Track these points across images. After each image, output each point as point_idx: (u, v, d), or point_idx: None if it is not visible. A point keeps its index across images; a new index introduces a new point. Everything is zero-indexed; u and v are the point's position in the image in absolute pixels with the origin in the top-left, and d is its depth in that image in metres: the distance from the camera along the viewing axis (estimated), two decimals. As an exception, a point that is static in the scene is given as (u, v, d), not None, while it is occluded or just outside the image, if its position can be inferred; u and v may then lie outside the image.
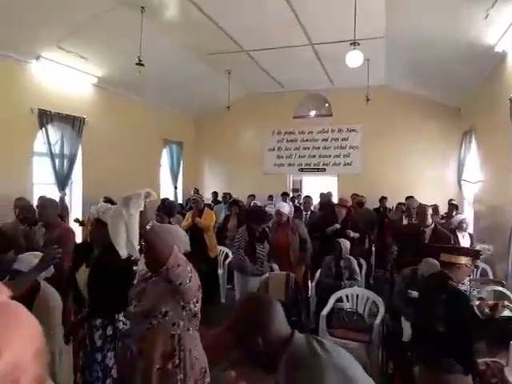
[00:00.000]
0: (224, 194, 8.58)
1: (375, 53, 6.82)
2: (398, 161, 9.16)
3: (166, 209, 5.52)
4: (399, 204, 6.97)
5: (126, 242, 1.69)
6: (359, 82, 7.97)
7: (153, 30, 5.69)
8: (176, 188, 10.03)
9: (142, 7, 5.24)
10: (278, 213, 4.83)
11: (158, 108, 9.06)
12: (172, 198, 9.05)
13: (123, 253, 1.69)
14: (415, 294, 3.29)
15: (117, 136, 7.67)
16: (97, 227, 2.72)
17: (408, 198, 6.45)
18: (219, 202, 8.75)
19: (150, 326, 2.03)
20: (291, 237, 4.72)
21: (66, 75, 6.48)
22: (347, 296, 4.18)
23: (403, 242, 4.58)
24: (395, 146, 9.17)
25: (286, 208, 4.94)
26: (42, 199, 4.06)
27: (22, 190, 5.40)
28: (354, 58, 5.23)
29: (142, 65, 5.32)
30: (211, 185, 10.48)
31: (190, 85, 8.35)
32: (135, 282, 2.38)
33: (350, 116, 9.48)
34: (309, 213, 6.47)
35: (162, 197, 9.22)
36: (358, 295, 4.20)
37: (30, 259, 2.50)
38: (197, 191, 9.44)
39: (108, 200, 6.33)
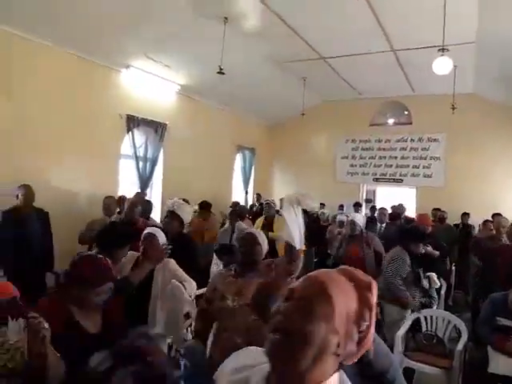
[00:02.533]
0: (296, 201, 8.51)
1: (464, 59, 6.36)
2: (483, 175, 8.44)
3: (238, 212, 5.61)
4: (487, 221, 6.42)
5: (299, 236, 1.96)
6: (444, 90, 7.50)
7: (233, 39, 5.85)
8: (247, 192, 10.21)
9: (225, 18, 5.42)
10: (352, 223, 4.66)
11: (234, 114, 9.30)
12: (242, 202, 9.21)
13: (298, 246, 1.97)
14: (505, 321, 2.99)
15: (195, 141, 8.00)
16: (171, 218, 3.22)
17: (495, 215, 5.92)
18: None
19: (257, 318, 2.05)
20: (366, 251, 4.52)
21: (151, 83, 6.91)
22: (425, 317, 3.92)
23: (491, 263, 4.19)
24: (482, 158, 8.46)
25: (361, 219, 4.76)
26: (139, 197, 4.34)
27: (109, 189, 5.84)
28: (442, 65, 4.91)
29: (223, 73, 5.49)
30: (281, 191, 10.47)
31: (266, 92, 8.46)
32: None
33: (431, 125, 8.95)
34: (383, 225, 6.19)
35: (232, 201, 9.50)
36: (437, 317, 3.92)
37: None
38: (259, 196, 9.58)
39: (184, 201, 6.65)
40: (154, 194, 7.50)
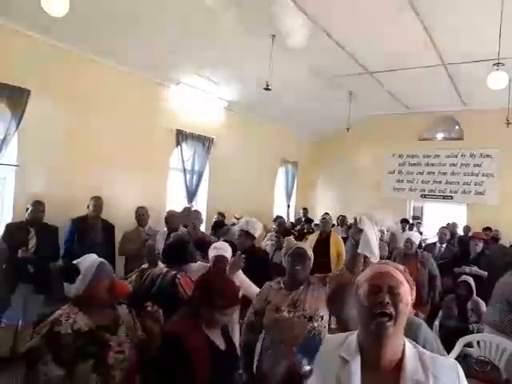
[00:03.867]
0: (340, 216, 8.42)
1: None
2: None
3: (288, 229, 5.62)
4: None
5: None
6: (498, 104, 7.19)
7: (280, 55, 5.96)
8: (289, 206, 10.21)
9: (273, 35, 5.55)
10: (409, 241, 4.52)
11: (278, 128, 9.39)
12: (284, 216, 9.21)
13: (375, 257, 2.14)
14: None
15: (239, 155, 8.15)
16: (245, 236, 3.59)
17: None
18: (333, 225, 8.62)
19: (312, 329, 2.26)
20: (421, 271, 4.36)
21: (200, 98, 7.15)
22: (478, 342, 3.72)
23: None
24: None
25: (417, 237, 4.62)
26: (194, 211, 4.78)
27: (159, 201, 6.08)
28: (498, 80, 4.73)
29: (269, 89, 5.60)
30: (323, 206, 10.41)
31: (310, 106, 8.50)
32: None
33: (484, 140, 8.58)
34: (444, 245, 5.75)
35: (274, 214, 9.53)
36: (491, 343, 3.72)
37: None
38: (306, 211, 9.53)
39: (221, 214, 6.80)
40: (199, 206, 7.68)
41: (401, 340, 1.21)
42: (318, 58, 6.52)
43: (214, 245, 3.13)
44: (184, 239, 3.76)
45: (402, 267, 1.28)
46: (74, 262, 1.84)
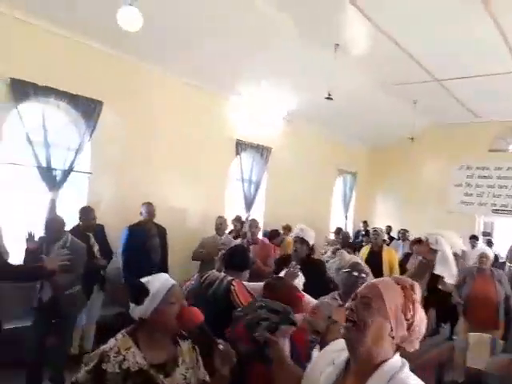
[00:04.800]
0: (401, 230, 8.05)
1: None
2: None
3: (343, 240, 5.48)
4: None
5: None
6: None
7: (343, 64, 5.86)
8: (346, 218, 9.96)
9: (336, 44, 5.47)
10: (484, 257, 4.22)
11: (336, 138, 9.22)
12: (343, 228, 8.98)
13: (453, 278, 2.14)
14: None
15: (297, 164, 8.09)
16: (300, 243, 3.57)
17: None
18: (392, 238, 8.27)
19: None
20: (498, 289, 4.03)
21: (259, 110, 7.20)
22: None
23: None
24: None
25: (491, 254, 4.30)
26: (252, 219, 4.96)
27: (218, 210, 6.17)
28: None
29: (331, 99, 5.51)
30: (383, 218, 10.01)
31: (371, 116, 8.27)
32: None
33: None
34: None
35: (331, 226, 9.34)
36: None
37: None
38: (366, 224, 9.22)
39: (286, 228, 6.75)
40: (256, 216, 7.70)
41: (376, 354, 1.17)
42: (382, 65, 6.34)
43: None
44: (244, 246, 3.79)
45: (408, 283, 1.24)
46: (144, 280, 1.64)
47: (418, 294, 1.23)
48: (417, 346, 1.21)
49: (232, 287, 2.55)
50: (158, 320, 1.56)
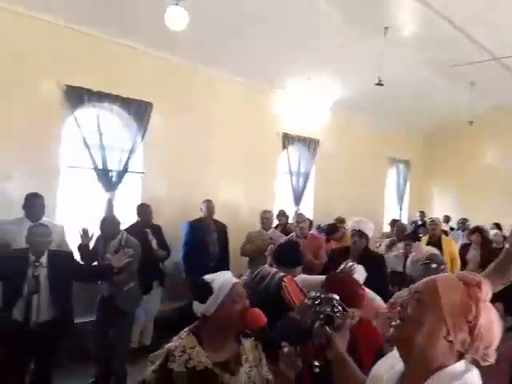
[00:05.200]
0: (461, 219, 7.61)
1: None
2: None
3: (398, 232, 5.25)
4: None
5: None
6: None
7: (393, 48, 5.59)
8: (401, 209, 9.57)
9: (385, 28, 5.22)
10: None
11: (387, 126, 8.85)
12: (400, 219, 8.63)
13: None
14: None
15: (346, 155, 7.88)
16: (358, 236, 3.43)
17: None
18: (452, 229, 7.83)
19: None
20: None
21: (305, 101, 7.07)
22: None
23: None
24: None
25: None
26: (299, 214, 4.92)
27: (267, 204, 6.16)
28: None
29: (382, 84, 5.29)
30: (440, 208, 9.52)
31: (424, 101, 7.85)
32: None
33: None
34: None
35: (385, 218, 9.02)
36: None
37: None
38: (423, 214, 8.80)
39: (340, 220, 6.58)
40: (305, 209, 7.60)
41: (430, 358, 1.02)
42: (435, 47, 5.96)
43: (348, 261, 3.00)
44: (295, 241, 3.72)
45: (475, 280, 1.05)
46: (207, 278, 1.65)
47: (486, 292, 1.04)
48: (491, 357, 1.01)
49: (283, 283, 2.51)
50: (220, 318, 1.56)
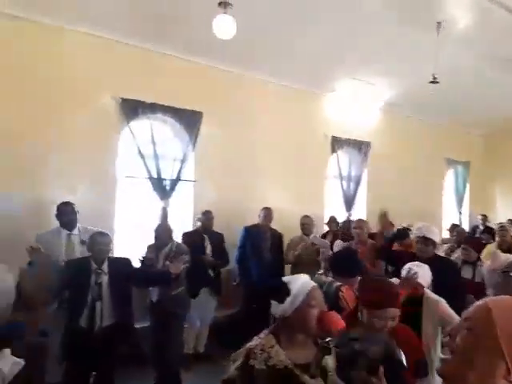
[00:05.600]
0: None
1: None
2: None
3: (459, 237, 4.93)
4: None
5: None
6: None
7: (446, 44, 5.32)
8: (461, 213, 9.03)
9: (438, 22, 4.98)
10: None
11: (443, 125, 8.43)
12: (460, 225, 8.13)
13: None
14: None
15: (399, 158, 7.57)
16: (424, 243, 3.18)
17: None
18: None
19: None
20: None
21: (355, 103, 6.91)
22: None
23: None
24: None
25: None
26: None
27: (316, 209, 6.06)
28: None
29: (437, 82, 5.04)
30: (505, 211, 8.85)
31: (484, 97, 7.38)
32: None
33: None
34: None
35: (443, 222, 8.54)
36: None
37: None
38: (485, 218, 8.24)
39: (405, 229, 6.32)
40: (358, 214, 7.39)
41: None
42: (493, 39, 5.59)
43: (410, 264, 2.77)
44: (352, 249, 3.59)
45: None
46: (286, 279, 1.68)
47: None
48: None
49: (341, 293, 2.44)
50: (298, 320, 1.57)
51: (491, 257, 2.48)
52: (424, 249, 3.21)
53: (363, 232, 4.31)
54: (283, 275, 4.93)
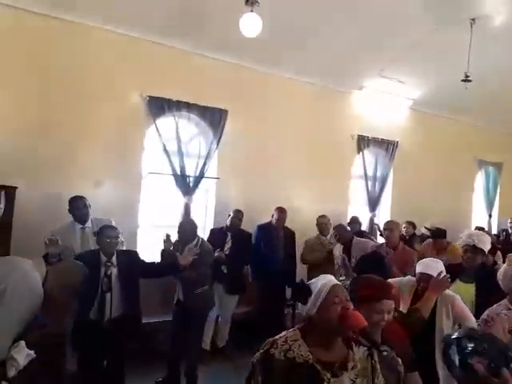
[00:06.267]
0: None
1: None
2: None
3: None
4: None
5: None
6: None
7: (479, 41, 5.13)
8: (490, 216, 8.72)
9: (472, 19, 4.81)
10: None
11: (474, 125, 8.14)
12: (486, 228, 7.86)
13: None
14: None
15: (427, 158, 7.36)
16: (474, 252, 3.04)
17: None
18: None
19: None
20: None
21: (383, 101, 6.77)
22: None
23: None
24: None
25: None
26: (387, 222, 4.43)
27: (341, 209, 5.99)
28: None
29: (469, 81, 4.87)
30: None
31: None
32: None
33: None
34: None
35: (473, 226, 8.27)
36: None
37: None
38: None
39: (410, 224, 6.19)
40: (382, 215, 7.26)
41: None
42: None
43: (422, 260, 2.77)
44: (379, 253, 3.51)
45: None
46: (310, 281, 1.68)
47: None
48: None
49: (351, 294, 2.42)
50: (322, 318, 1.56)
51: (508, 259, 2.39)
52: (472, 258, 3.06)
53: (394, 235, 4.12)
54: (295, 274, 4.95)
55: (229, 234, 4.69)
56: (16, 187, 3.83)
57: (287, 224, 5.11)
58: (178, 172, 4.93)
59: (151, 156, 4.96)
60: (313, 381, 1.47)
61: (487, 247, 3.14)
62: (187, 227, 3.89)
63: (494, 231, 8.35)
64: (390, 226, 4.23)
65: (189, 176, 5.00)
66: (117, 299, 3.11)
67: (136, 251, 3.52)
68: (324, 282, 1.61)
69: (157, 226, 4.96)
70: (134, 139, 4.76)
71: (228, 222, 4.72)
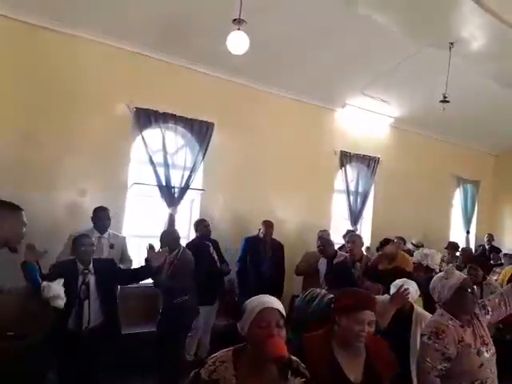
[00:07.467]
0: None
1: None
2: None
3: (465, 258, 4.90)
4: None
5: None
6: None
7: (458, 64, 5.36)
8: (468, 233, 8.96)
9: (451, 43, 5.04)
10: None
11: (453, 144, 8.41)
12: (463, 244, 8.07)
13: None
14: None
15: (407, 174, 7.56)
16: (424, 272, 3.15)
17: None
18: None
19: None
20: None
21: (365, 119, 6.96)
22: None
23: None
24: None
25: None
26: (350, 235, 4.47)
27: (323, 223, 6.08)
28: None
29: (447, 101, 5.07)
30: (512, 233, 8.78)
31: (495, 116, 7.38)
32: None
33: None
34: None
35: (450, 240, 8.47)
36: None
37: None
38: (491, 237, 8.18)
39: (401, 239, 6.30)
40: (364, 229, 7.39)
41: None
42: (505, 60, 5.63)
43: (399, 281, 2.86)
44: (347, 264, 3.60)
45: None
46: (251, 299, 1.62)
47: None
48: None
49: (333, 305, 2.48)
50: (250, 340, 1.51)
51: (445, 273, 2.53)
52: (423, 275, 3.19)
53: (355, 246, 4.16)
54: (283, 286, 4.98)
55: (209, 243, 4.64)
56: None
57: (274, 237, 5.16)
58: (164, 183, 4.96)
59: (137, 166, 4.97)
60: None
61: (437, 267, 3.30)
62: (169, 236, 3.91)
63: (472, 246, 8.57)
64: (353, 238, 4.33)
65: (174, 187, 5.03)
66: (95, 307, 3.10)
67: (112, 258, 3.53)
68: (257, 303, 1.54)
69: (141, 236, 4.95)
70: (120, 150, 4.78)
71: (198, 234, 4.71)
